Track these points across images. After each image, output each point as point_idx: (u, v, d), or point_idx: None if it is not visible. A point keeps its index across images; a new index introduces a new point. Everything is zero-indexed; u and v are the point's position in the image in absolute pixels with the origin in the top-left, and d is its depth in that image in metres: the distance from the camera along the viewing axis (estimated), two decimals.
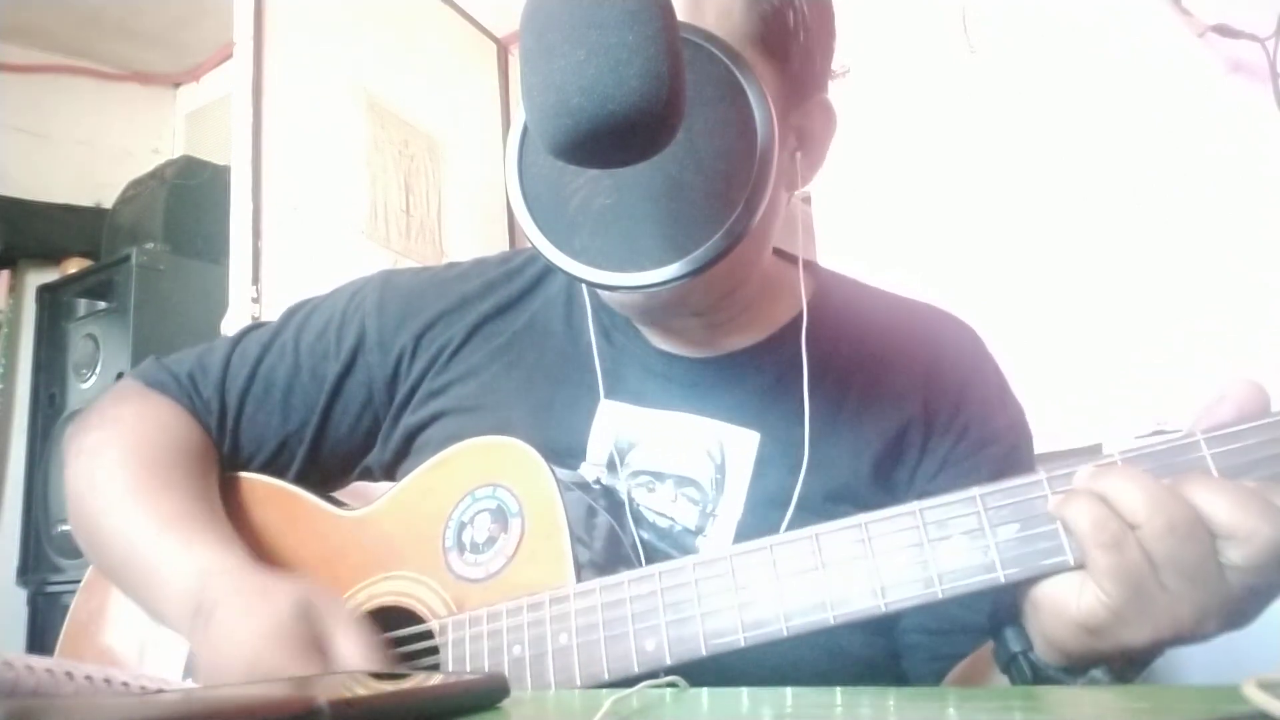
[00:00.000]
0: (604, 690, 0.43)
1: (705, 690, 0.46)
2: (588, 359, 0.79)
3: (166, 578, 0.69)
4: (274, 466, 0.85)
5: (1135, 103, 1.69)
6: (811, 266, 0.85)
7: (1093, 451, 0.50)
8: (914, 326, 0.82)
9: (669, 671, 0.53)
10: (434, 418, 0.81)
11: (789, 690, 0.46)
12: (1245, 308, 1.53)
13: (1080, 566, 0.47)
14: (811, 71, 0.72)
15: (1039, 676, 0.51)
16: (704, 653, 0.54)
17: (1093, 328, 1.65)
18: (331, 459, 0.86)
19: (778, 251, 0.82)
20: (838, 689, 0.45)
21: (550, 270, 0.85)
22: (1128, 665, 0.50)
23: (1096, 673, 0.50)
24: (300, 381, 0.84)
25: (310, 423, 0.84)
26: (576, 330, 0.82)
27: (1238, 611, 0.46)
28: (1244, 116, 1.59)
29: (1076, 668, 0.50)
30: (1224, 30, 1.58)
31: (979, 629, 0.58)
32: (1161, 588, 0.45)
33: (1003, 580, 0.48)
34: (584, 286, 0.83)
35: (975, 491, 0.50)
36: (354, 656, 0.59)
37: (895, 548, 0.50)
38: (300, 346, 0.85)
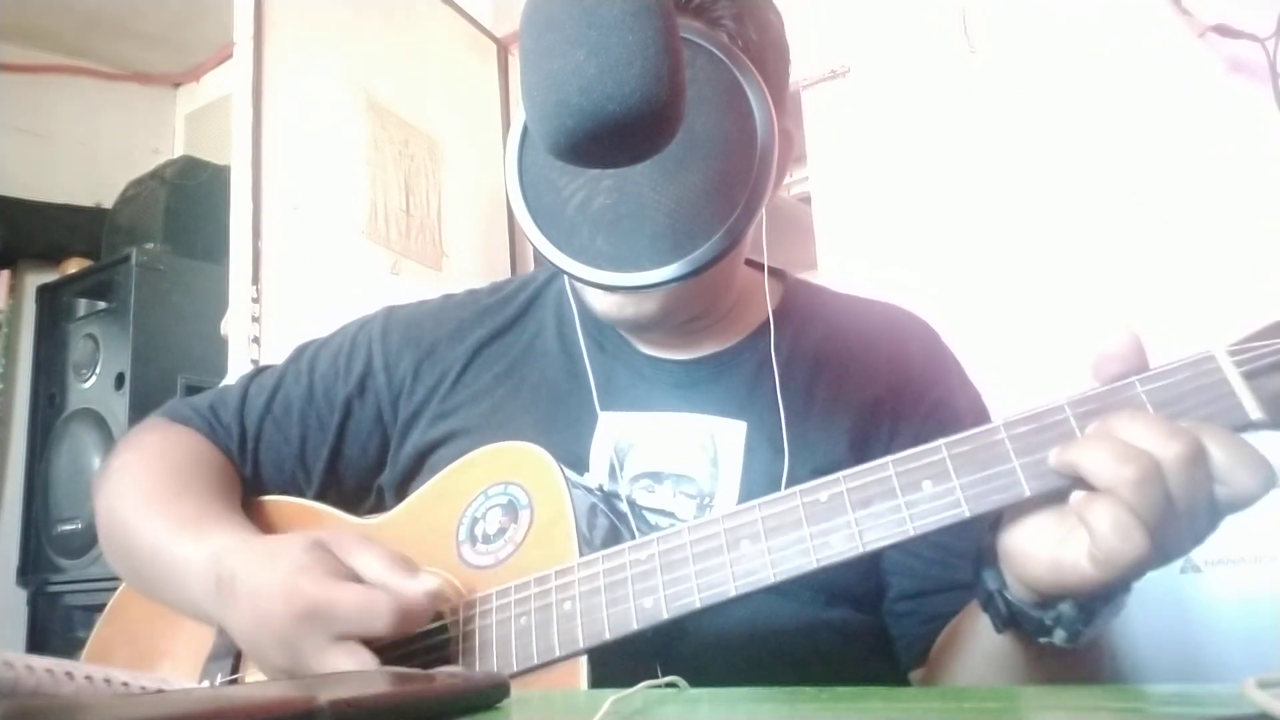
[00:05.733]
0: (605, 690, 0.43)
1: (705, 690, 0.47)
2: (584, 375, 0.83)
3: (186, 568, 0.72)
4: (294, 488, 0.89)
5: (1135, 103, 1.69)
6: (780, 272, 0.91)
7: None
8: (876, 321, 0.89)
9: (664, 625, 0.56)
10: (445, 438, 0.84)
11: (787, 690, 0.46)
12: (1245, 308, 1.52)
13: (1034, 495, 0.51)
14: (780, 98, 0.77)
15: (1012, 610, 0.56)
16: (699, 605, 0.56)
17: (1092, 327, 1.65)
18: (348, 477, 0.90)
19: (746, 261, 0.87)
20: (835, 689, 0.45)
21: (539, 294, 0.91)
22: (1091, 598, 0.53)
23: (1064, 606, 0.53)
24: (315, 404, 0.90)
25: (326, 442, 0.89)
26: (570, 348, 0.86)
27: (1185, 547, 0.50)
28: (1244, 116, 1.59)
29: (1046, 603, 0.54)
30: (1224, 30, 1.58)
31: (963, 584, 0.62)
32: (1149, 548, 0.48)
33: (968, 514, 0.52)
34: (573, 299, 0.88)
35: (940, 442, 0.54)
36: (377, 567, 0.62)
37: (871, 497, 0.54)
38: (314, 373, 0.91)
